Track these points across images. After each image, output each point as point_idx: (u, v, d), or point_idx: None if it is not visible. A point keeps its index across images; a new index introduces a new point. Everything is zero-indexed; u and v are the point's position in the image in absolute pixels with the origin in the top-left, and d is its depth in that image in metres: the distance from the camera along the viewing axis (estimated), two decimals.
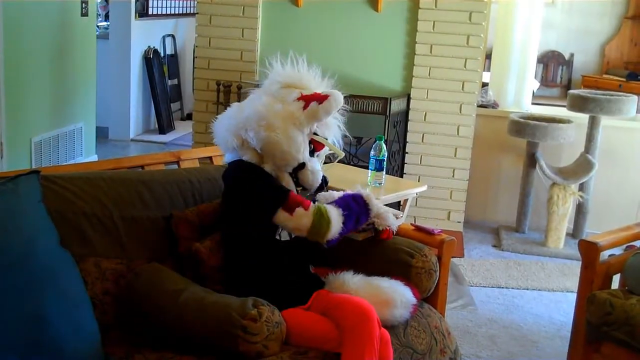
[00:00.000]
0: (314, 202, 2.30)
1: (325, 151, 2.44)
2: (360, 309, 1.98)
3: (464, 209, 4.80)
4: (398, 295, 2.18)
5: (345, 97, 2.37)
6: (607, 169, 4.86)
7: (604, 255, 2.84)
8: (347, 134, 2.48)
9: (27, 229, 1.91)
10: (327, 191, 2.43)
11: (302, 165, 2.28)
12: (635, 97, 4.63)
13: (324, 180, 2.39)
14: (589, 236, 2.92)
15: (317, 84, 2.37)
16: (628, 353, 2.56)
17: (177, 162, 2.97)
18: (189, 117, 7.81)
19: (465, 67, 4.59)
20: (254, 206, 2.22)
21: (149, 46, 7.37)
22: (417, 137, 4.71)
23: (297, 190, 2.32)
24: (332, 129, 2.40)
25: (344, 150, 2.50)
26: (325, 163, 2.53)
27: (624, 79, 8.00)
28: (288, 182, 2.28)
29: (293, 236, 2.29)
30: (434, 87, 4.64)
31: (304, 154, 2.28)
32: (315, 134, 2.32)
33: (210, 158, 3.02)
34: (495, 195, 5.20)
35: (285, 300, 2.08)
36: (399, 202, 3.78)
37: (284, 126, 2.22)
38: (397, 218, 2.49)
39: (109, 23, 7.37)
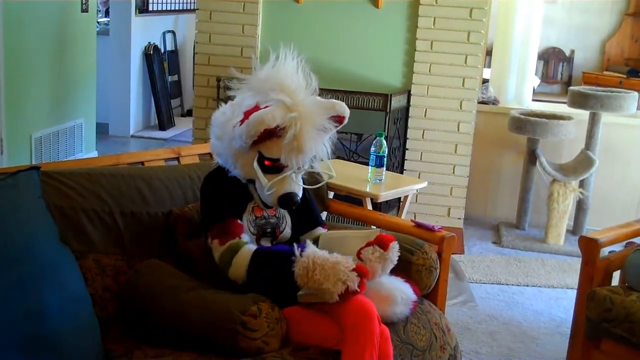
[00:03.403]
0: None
1: (302, 170, 2.20)
2: (361, 306, 1.97)
3: (464, 206, 4.80)
4: (398, 292, 2.18)
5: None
6: (607, 165, 4.86)
7: (604, 251, 2.83)
8: (325, 158, 2.19)
9: (27, 224, 1.91)
10: (291, 207, 2.19)
11: (252, 181, 2.17)
12: (636, 94, 4.63)
13: (289, 200, 2.15)
14: (589, 233, 2.91)
15: (280, 88, 2.10)
16: (628, 350, 2.56)
17: (177, 159, 2.96)
18: (189, 113, 7.81)
19: (465, 63, 4.58)
20: (202, 221, 2.24)
21: (149, 42, 7.37)
22: (418, 134, 4.70)
23: (261, 202, 2.19)
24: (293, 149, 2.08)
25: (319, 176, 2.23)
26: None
27: (624, 76, 8.00)
28: (252, 191, 2.21)
29: (274, 242, 2.25)
30: (434, 84, 4.63)
31: (245, 171, 2.15)
32: (261, 154, 2.10)
33: (210, 154, 3.02)
34: (495, 192, 5.19)
35: (284, 298, 2.07)
36: (399, 198, 3.78)
37: (224, 139, 2.16)
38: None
39: (109, 19, 7.37)
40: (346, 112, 2.23)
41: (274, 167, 2.12)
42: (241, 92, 2.19)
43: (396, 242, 2.14)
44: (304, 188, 2.27)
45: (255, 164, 2.11)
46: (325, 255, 1.99)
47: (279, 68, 2.15)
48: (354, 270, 1.96)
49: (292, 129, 2.05)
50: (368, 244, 2.10)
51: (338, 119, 2.21)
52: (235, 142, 2.11)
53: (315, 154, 2.17)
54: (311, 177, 2.28)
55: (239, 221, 2.16)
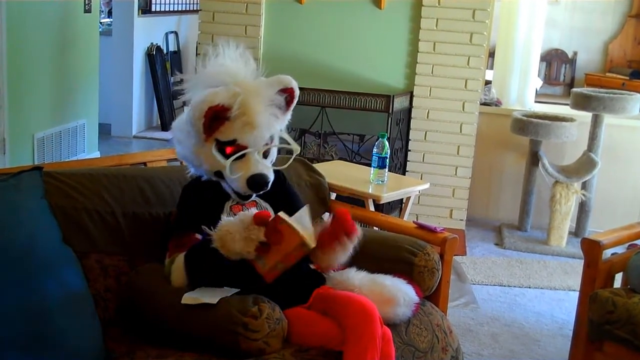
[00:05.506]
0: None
1: (273, 151, 2.24)
2: (363, 307, 1.97)
3: (467, 207, 4.80)
4: (401, 294, 2.17)
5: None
6: (610, 167, 4.85)
7: (607, 253, 2.83)
8: (283, 137, 2.20)
9: (30, 224, 1.92)
10: (264, 189, 2.16)
11: (222, 176, 2.15)
12: (639, 96, 4.62)
13: (258, 181, 2.12)
14: (591, 235, 2.91)
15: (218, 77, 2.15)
16: (630, 351, 2.55)
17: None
18: None
19: (468, 64, 4.58)
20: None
21: (151, 43, 7.37)
22: (420, 135, 4.70)
23: (235, 195, 2.17)
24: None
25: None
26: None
27: (627, 77, 7.99)
28: (226, 188, 2.20)
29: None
30: (436, 85, 4.63)
31: (210, 164, 2.14)
32: (218, 140, 2.09)
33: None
34: (497, 194, 5.19)
35: (285, 298, 2.06)
36: (402, 199, 3.78)
37: (184, 141, 2.17)
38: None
39: (112, 20, 7.37)
40: (293, 83, 2.23)
41: (235, 153, 2.11)
42: (191, 91, 2.19)
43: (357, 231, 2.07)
44: (284, 182, 2.30)
45: (214, 150, 2.10)
46: (231, 220, 1.97)
47: (219, 59, 2.20)
48: (253, 221, 1.93)
49: (236, 104, 2.06)
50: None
51: (288, 92, 2.21)
52: (190, 136, 2.11)
53: (273, 133, 2.18)
54: (280, 160, 2.29)
55: (197, 236, 2.12)
